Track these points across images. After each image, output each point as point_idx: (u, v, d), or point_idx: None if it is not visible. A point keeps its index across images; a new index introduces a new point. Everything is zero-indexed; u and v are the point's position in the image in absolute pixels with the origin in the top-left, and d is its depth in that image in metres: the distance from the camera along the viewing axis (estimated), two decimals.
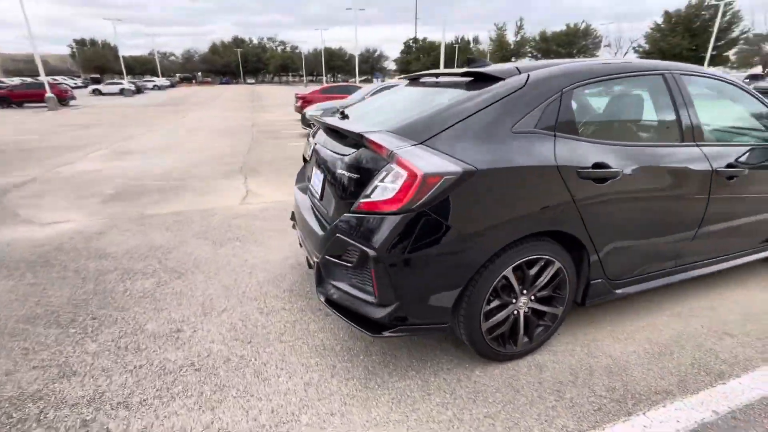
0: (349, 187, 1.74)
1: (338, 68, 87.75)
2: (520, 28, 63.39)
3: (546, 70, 1.83)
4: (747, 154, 2.21)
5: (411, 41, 72.51)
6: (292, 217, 2.74)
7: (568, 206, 1.73)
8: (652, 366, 1.90)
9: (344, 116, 2.23)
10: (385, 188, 1.57)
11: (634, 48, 48.71)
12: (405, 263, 1.55)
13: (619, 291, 2.07)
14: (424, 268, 1.58)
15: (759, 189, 2.33)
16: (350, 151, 1.80)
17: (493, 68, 1.92)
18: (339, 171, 1.83)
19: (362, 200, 1.63)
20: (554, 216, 1.72)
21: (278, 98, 29.72)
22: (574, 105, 1.83)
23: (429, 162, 1.51)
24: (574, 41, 54.54)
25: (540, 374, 1.84)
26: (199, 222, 3.92)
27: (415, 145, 1.58)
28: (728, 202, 2.23)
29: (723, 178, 2.12)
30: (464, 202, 1.55)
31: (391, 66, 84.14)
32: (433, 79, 2.37)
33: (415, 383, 1.79)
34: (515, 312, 1.84)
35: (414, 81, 2.59)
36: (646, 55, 44.68)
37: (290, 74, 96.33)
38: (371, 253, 1.54)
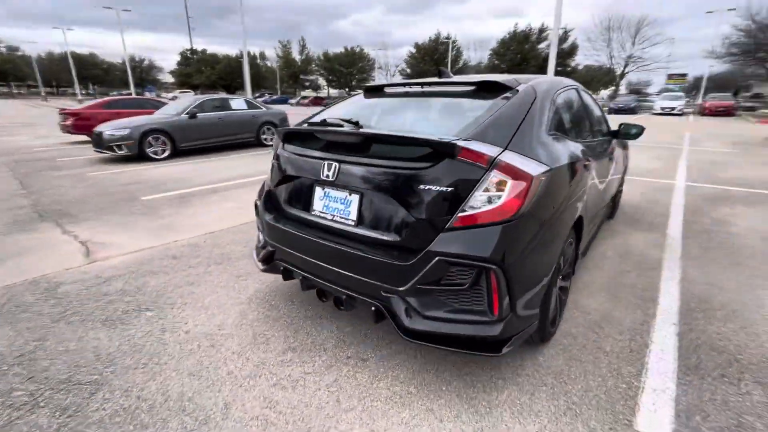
0: (437, 203, 1.57)
1: (95, 78, 70.79)
2: (303, 47, 66.87)
3: (538, 81, 2.11)
4: (596, 146, 3.10)
5: (188, 52, 65.69)
6: (268, 260, 2.21)
7: (584, 192, 2.15)
8: None
9: (358, 126, 1.96)
10: (491, 197, 1.52)
11: (400, 71, 58.96)
12: (520, 269, 1.54)
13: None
14: (531, 269, 1.62)
15: (601, 171, 3.30)
16: (425, 164, 1.61)
17: (503, 78, 2.06)
18: (417, 187, 1.60)
19: (464, 214, 1.53)
20: (580, 201, 2.10)
21: (6, 115, 21.81)
22: (560, 112, 2.20)
23: (529, 165, 1.57)
24: (353, 62, 61.50)
25: (562, 340, 2.13)
26: (42, 301, 2.55)
27: (504, 150, 1.57)
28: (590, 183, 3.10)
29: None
30: (547, 199, 1.67)
31: (168, 78, 73.90)
32: (417, 89, 2.34)
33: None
34: (557, 291, 2.07)
35: (378, 91, 2.51)
36: (408, 77, 54.88)
37: (13, 84, 71.39)
38: (492, 266, 1.45)
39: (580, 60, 49.81)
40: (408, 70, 55.46)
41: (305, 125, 2.28)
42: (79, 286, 2.77)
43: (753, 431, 1.56)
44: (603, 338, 2.16)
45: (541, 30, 45.94)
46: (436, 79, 2.39)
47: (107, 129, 7.74)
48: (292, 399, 1.74)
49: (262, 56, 72.43)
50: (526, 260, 1.58)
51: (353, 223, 1.82)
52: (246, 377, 1.88)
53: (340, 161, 1.84)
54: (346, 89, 62.20)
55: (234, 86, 55.98)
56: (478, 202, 1.53)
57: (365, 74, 62.51)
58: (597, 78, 50.56)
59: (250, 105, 10.00)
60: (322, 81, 69.15)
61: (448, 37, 51.84)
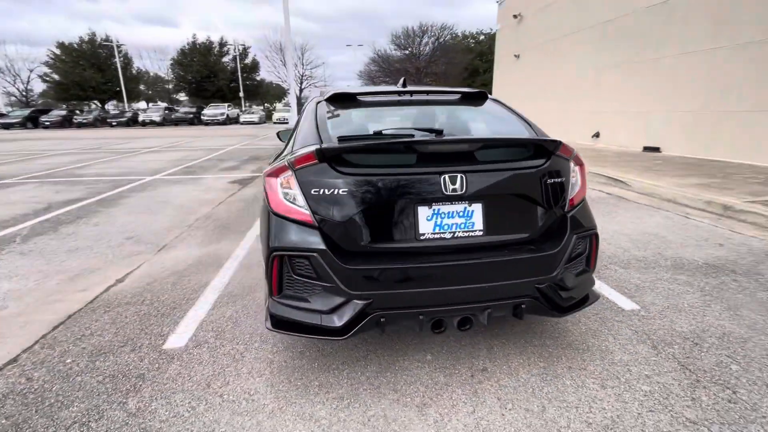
0: (555, 193, 1.92)
1: None
2: None
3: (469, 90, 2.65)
4: None
5: None
6: (359, 319, 1.77)
7: None
8: None
9: (440, 133, 2.02)
10: (574, 182, 2.00)
11: (40, 76, 43.59)
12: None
13: None
14: None
15: None
16: (540, 161, 1.91)
17: (473, 90, 2.52)
18: (540, 182, 1.88)
19: (570, 197, 1.95)
20: None
21: None
22: None
23: None
24: None
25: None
26: None
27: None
28: None
29: None
30: None
31: None
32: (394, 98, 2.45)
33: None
34: None
35: (352, 99, 2.41)
36: (57, 85, 41.84)
37: None
38: (596, 230, 2.00)
39: (264, 75, 54.47)
40: (56, 76, 42.09)
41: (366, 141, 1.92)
42: None
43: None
44: None
45: (222, 44, 46.37)
46: (423, 88, 2.57)
47: None
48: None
49: None
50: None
51: (481, 233, 1.82)
52: None
53: (461, 172, 1.77)
54: None
55: None
56: (572, 187, 1.99)
57: None
58: (274, 92, 57.90)
59: None
60: None
61: (109, 40, 42.94)
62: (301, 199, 1.79)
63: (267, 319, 1.88)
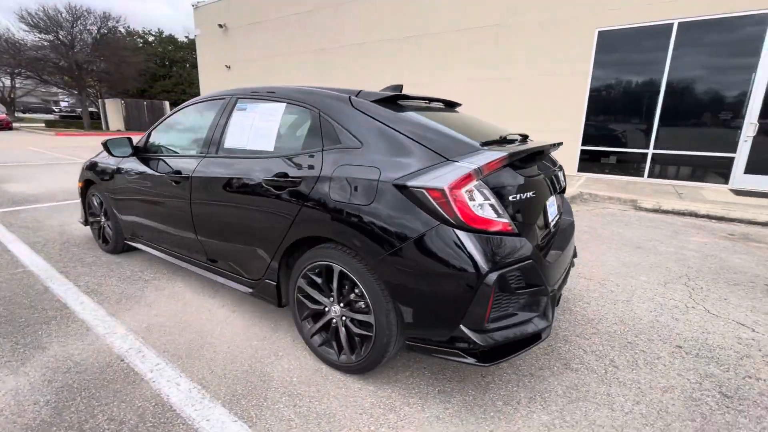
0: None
1: None
2: None
3: None
4: None
5: None
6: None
7: None
8: None
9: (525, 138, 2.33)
10: None
11: None
12: None
13: None
14: None
15: None
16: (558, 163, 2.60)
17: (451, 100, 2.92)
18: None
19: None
20: None
21: None
22: None
23: None
24: None
25: None
26: None
27: None
28: None
29: None
30: None
31: None
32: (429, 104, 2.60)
33: None
34: None
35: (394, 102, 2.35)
36: None
37: None
38: None
39: None
40: None
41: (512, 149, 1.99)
42: None
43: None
44: None
45: None
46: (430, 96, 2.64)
47: None
48: None
49: None
50: None
51: (559, 216, 2.39)
52: None
53: (555, 170, 2.23)
54: None
55: None
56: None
57: None
58: None
59: None
60: None
61: None
62: (499, 207, 1.76)
63: (477, 359, 1.77)
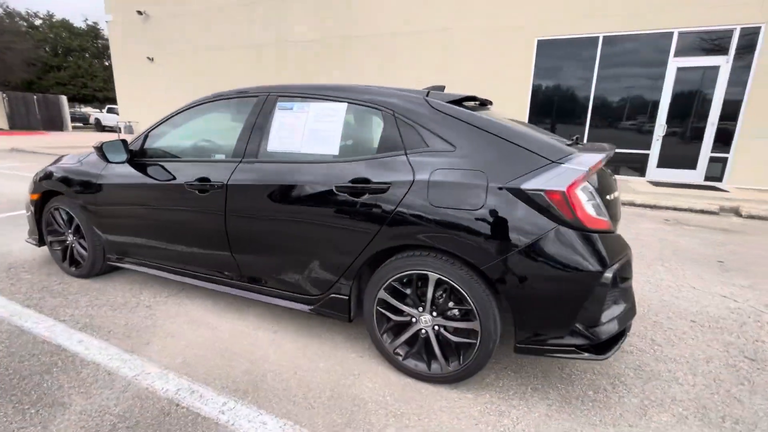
0: None
1: None
2: None
3: None
4: None
5: None
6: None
7: None
8: None
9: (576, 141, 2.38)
10: None
11: None
12: None
13: None
14: None
15: None
16: None
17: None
18: None
19: None
20: None
21: None
22: None
23: None
24: None
25: None
26: None
27: None
28: None
29: None
30: None
31: None
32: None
33: None
34: None
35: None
36: None
37: None
38: None
39: None
40: None
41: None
42: None
43: None
44: None
45: None
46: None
47: None
48: None
49: None
50: None
51: None
52: None
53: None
54: None
55: None
56: None
57: None
58: None
59: None
60: None
61: None
62: (602, 206, 1.87)
63: (593, 353, 1.87)
